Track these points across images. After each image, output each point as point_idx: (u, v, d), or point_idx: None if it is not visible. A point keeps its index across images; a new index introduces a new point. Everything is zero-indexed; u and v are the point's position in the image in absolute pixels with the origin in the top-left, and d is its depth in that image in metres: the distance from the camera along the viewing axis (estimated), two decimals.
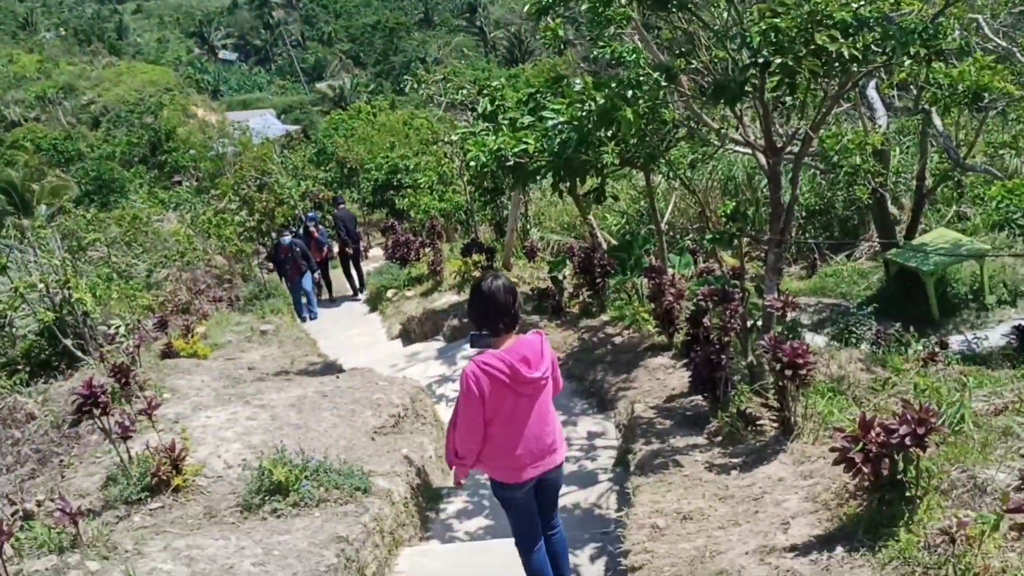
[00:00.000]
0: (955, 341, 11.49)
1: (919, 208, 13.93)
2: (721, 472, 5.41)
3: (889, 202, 14.55)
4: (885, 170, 12.17)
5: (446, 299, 13.86)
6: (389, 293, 15.97)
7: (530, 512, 4.60)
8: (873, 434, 3.78)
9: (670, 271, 9.79)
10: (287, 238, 16.19)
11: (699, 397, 7.20)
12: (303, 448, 6.54)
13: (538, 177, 8.91)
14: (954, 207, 15.90)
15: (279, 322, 13.23)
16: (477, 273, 13.18)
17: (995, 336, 11.69)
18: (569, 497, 6.82)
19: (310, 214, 19.23)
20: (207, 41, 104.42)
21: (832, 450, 3.99)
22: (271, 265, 17.62)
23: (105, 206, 33.41)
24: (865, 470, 3.78)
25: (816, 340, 11.08)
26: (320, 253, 17.57)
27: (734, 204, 6.46)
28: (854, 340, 10.76)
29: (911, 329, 10.68)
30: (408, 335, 13.60)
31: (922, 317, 12.88)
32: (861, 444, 3.78)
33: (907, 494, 3.82)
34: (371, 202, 32.02)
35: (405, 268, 16.67)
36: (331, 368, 10.41)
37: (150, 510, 5.79)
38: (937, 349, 9.74)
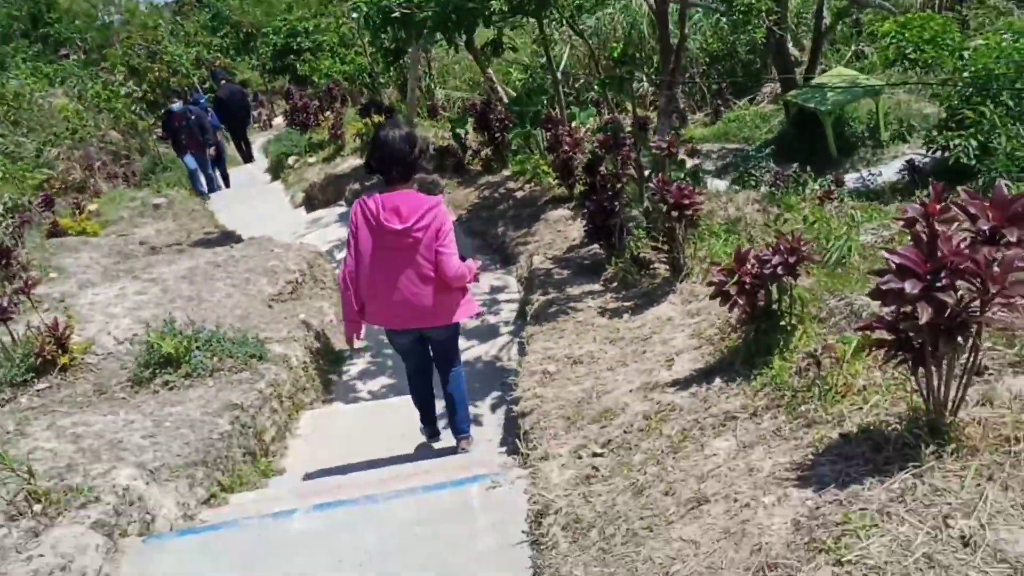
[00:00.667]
0: (851, 179, 11.68)
1: (818, 48, 13.90)
2: (613, 316, 5.44)
3: (790, 44, 14.49)
4: (781, 8, 12.02)
5: (348, 163, 13.55)
6: (290, 160, 15.55)
7: (413, 357, 5.01)
8: (748, 266, 3.79)
9: (574, 124, 9.65)
10: (177, 105, 14.95)
11: (596, 246, 7.21)
12: (195, 320, 6.40)
13: (425, 30, 8.57)
14: (852, 46, 15.93)
15: (175, 195, 12.79)
16: None
17: (889, 172, 11.92)
18: (472, 351, 6.85)
19: (199, 98, 17.81)
20: None
21: (709, 284, 4.00)
22: (166, 135, 16.17)
23: None
24: (740, 302, 3.80)
25: (718, 184, 11.14)
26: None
27: (622, 46, 6.30)
28: (753, 183, 10.85)
29: (808, 169, 10.80)
30: (311, 202, 13.32)
31: (821, 157, 13.05)
32: (737, 276, 3.80)
33: (781, 323, 3.87)
34: (271, 68, 30.91)
35: (306, 134, 16.20)
36: (228, 239, 10.13)
37: (37, 391, 5.63)
38: (832, 187, 9.90)
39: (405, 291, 4.47)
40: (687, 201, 5.14)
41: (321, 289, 7.82)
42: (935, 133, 11.00)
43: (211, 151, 15.13)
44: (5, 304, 5.83)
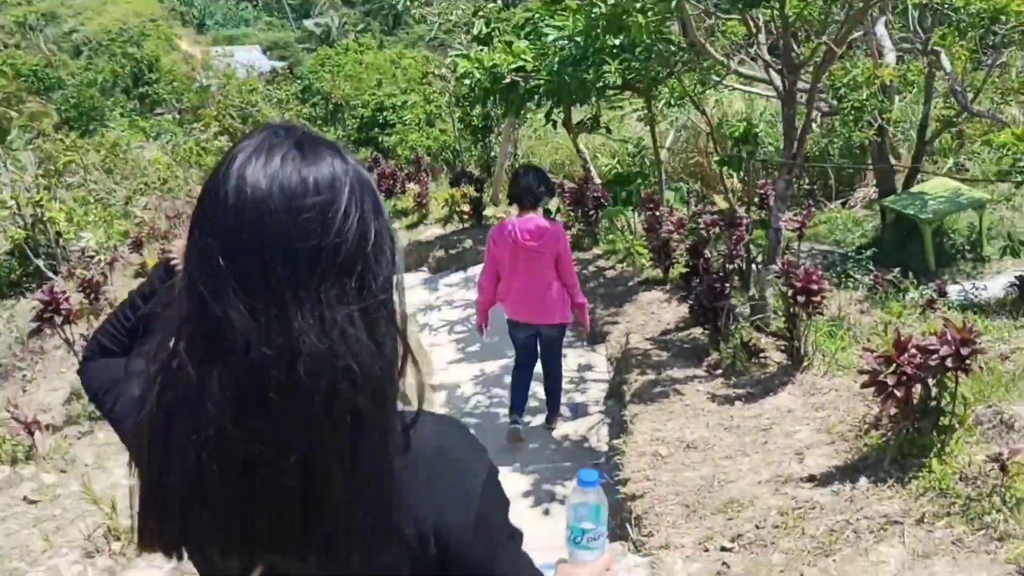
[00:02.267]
0: (953, 291, 11.19)
1: (919, 155, 13.54)
2: (725, 403, 5.08)
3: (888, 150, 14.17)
4: (890, 109, 11.74)
5: (432, 231, 13.45)
6: None
7: (524, 351, 6.19)
8: (908, 355, 3.43)
9: (672, 206, 9.41)
10: None
11: (697, 330, 6.89)
12: None
13: (535, 99, 8.46)
14: (951, 159, 15.53)
15: None
16: (466, 207, 12.77)
17: (994, 286, 11.41)
18: (560, 429, 6.50)
19: None
20: None
21: (862, 372, 3.64)
22: None
23: (85, 134, 32.57)
24: (898, 394, 3.42)
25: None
26: None
27: (744, 125, 6.06)
28: (852, 284, 10.44)
29: (910, 275, 10.38)
30: None
31: (918, 266, 12.58)
32: (895, 366, 3.43)
33: (941, 422, 3.49)
34: (356, 139, 31.46)
35: (390, 200, 16.22)
36: None
37: None
38: (935, 296, 9.46)
39: (540, 295, 5.72)
40: (815, 287, 4.80)
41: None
42: None
43: None
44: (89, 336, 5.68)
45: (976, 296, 11.09)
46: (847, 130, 10.56)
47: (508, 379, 6.54)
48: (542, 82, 8.01)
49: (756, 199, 15.73)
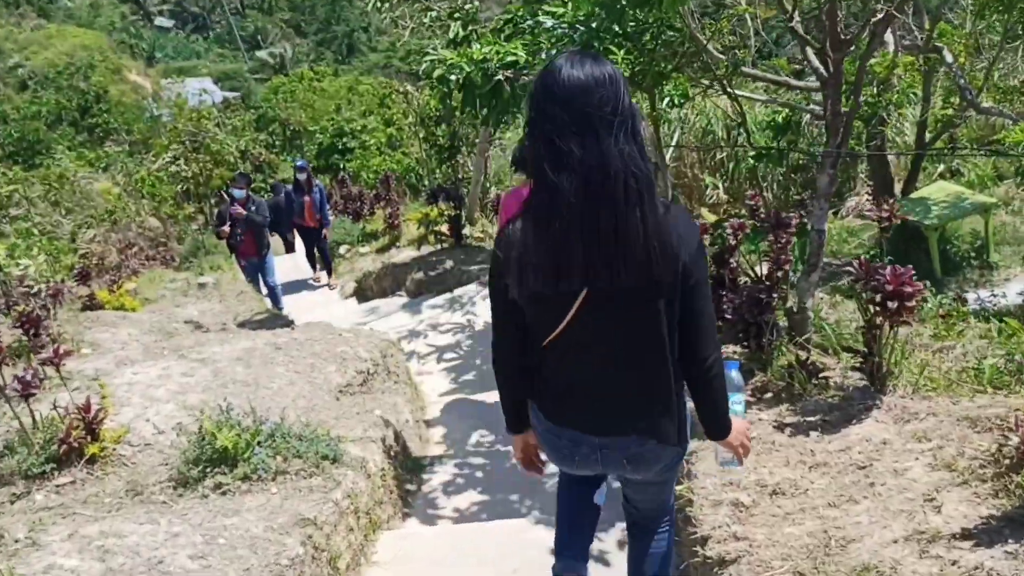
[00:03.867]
0: (968, 300, 10.52)
1: (918, 159, 12.90)
2: (797, 433, 4.23)
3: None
4: (903, 104, 11.04)
5: (406, 253, 12.56)
6: (342, 250, 14.56)
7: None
8: None
9: None
10: (240, 191, 10.62)
11: (730, 347, 6.09)
12: (254, 408, 5.26)
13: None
14: (943, 164, 14.96)
15: (219, 277, 11.76)
16: (445, 228, 11.89)
17: (1010, 294, 10.76)
18: None
19: (298, 162, 13.49)
20: (142, 6, 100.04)
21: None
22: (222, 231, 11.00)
23: (31, 167, 31.21)
24: None
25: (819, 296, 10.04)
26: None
27: (785, 113, 5.28)
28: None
29: (928, 284, 9.66)
30: (364, 293, 12.26)
31: (923, 275, 11.88)
32: None
33: None
34: (315, 166, 30.50)
35: (358, 223, 15.29)
36: (280, 322, 9.04)
37: (57, 486, 4.46)
38: (957, 306, 8.76)
39: None
40: (909, 290, 3.98)
41: (395, 383, 6.64)
42: None
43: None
44: (28, 378, 4.70)
45: (994, 304, 10.44)
46: (855, 129, 9.82)
47: None
48: None
49: (743, 210, 15.07)
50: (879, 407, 4.21)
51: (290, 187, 12.84)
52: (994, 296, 10.55)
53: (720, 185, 15.17)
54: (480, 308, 9.05)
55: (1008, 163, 13.81)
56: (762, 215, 13.47)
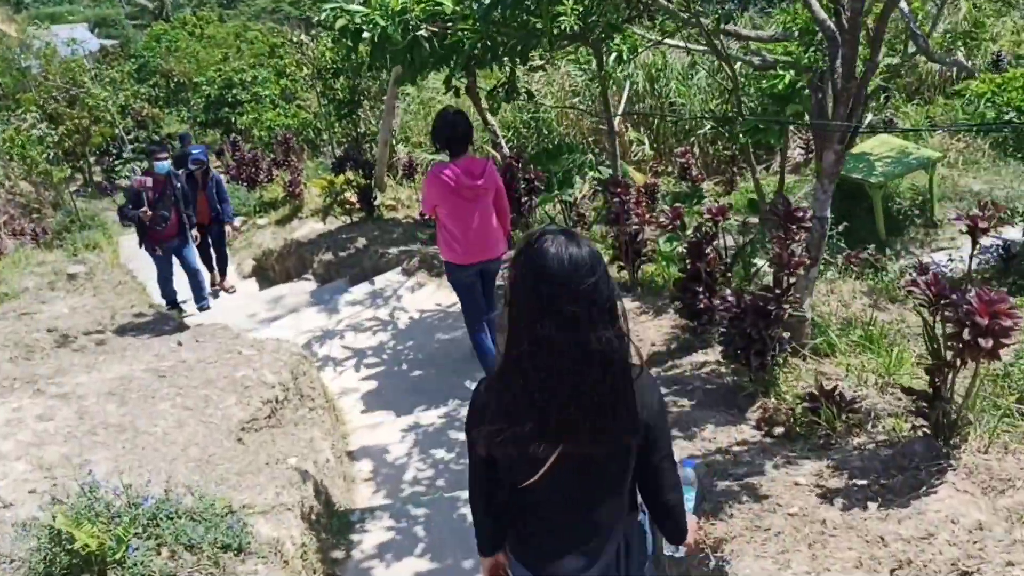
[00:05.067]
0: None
1: (855, 110, 12.12)
2: (850, 505, 3.25)
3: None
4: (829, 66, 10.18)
5: (310, 227, 11.24)
6: (236, 221, 13.10)
7: (473, 293, 5.78)
8: None
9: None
10: (164, 164, 8.52)
11: (704, 355, 5.20)
12: (130, 467, 4.09)
13: (454, 58, 6.45)
14: (875, 115, 14.27)
15: (95, 261, 10.27)
16: (352, 196, 10.61)
17: (966, 256, 10.13)
18: None
19: (194, 149, 10.04)
20: None
21: None
22: (124, 217, 9.18)
23: None
24: None
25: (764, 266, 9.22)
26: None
27: (789, 76, 4.27)
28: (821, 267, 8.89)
29: (887, 251, 8.94)
30: (265, 273, 10.93)
31: (866, 236, 11.19)
32: None
33: None
34: (204, 121, 28.50)
35: (254, 191, 13.85)
36: (168, 324, 7.67)
37: None
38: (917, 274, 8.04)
39: (487, 235, 5.58)
40: (1007, 323, 3.00)
41: (310, 410, 5.46)
42: None
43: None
44: None
45: (951, 268, 9.83)
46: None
47: (455, 435, 5.66)
48: (466, 33, 6.02)
49: (670, 168, 14.15)
50: (953, 468, 3.27)
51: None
52: (951, 260, 9.92)
53: (645, 141, 14.20)
54: (406, 301, 7.85)
55: (942, 112, 13.19)
56: (693, 175, 12.54)
